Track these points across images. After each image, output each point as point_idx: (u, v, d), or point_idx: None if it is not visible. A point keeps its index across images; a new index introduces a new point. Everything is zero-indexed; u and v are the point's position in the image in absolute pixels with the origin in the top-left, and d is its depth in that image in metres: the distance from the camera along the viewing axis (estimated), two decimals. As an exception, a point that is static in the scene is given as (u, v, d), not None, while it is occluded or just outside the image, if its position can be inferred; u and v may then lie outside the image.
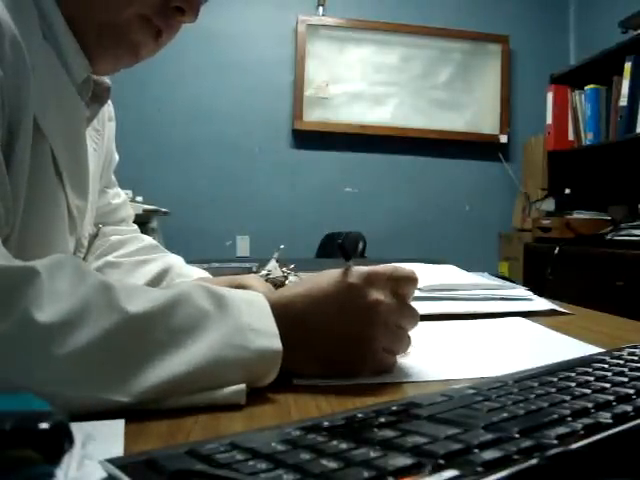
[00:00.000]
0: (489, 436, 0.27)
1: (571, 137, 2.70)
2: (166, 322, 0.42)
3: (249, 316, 0.44)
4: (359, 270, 0.49)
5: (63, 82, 0.61)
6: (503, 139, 3.40)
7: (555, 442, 0.27)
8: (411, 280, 0.51)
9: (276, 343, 0.44)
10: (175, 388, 0.40)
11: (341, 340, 0.48)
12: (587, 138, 2.63)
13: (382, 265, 0.51)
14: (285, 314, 0.47)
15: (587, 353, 0.49)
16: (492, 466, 0.24)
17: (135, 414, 0.38)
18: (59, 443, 0.26)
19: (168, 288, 0.47)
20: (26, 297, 0.38)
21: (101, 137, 0.79)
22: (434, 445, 0.26)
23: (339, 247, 0.54)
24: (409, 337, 0.51)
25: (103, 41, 0.61)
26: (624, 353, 0.47)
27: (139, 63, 0.67)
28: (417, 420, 0.31)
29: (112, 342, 0.39)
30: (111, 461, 0.27)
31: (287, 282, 0.99)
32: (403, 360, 0.53)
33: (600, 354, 0.48)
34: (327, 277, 0.50)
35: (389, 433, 0.28)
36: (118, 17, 0.59)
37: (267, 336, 0.44)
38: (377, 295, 0.48)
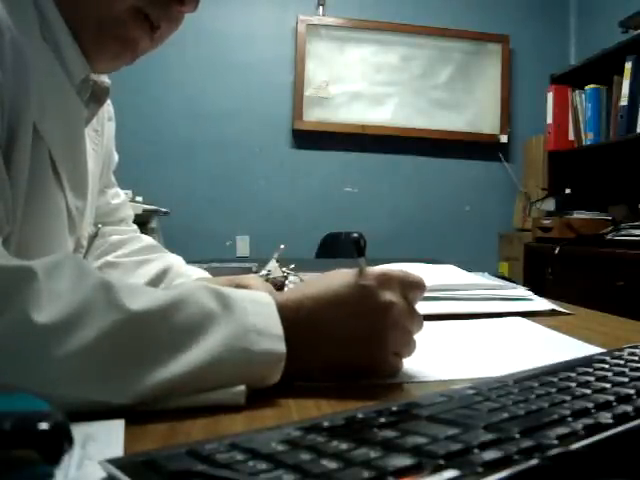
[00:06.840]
0: (489, 436, 0.27)
1: (571, 137, 2.71)
2: (168, 322, 0.41)
3: (254, 317, 0.44)
4: (371, 271, 0.49)
5: (61, 82, 0.61)
6: (503, 139, 3.40)
7: (555, 442, 0.27)
8: (420, 286, 0.51)
9: (280, 346, 0.43)
10: (174, 390, 0.40)
11: (351, 342, 0.48)
12: (587, 138, 2.63)
13: (391, 269, 0.51)
14: (293, 316, 0.46)
15: (587, 353, 0.49)
16: (492, 466, 0.24)
17: (135, 414, 0.38)
18: (59, 443, 0.26)
19: (171, 288, 0.47)
20: (23, 297, 0.38)
21: (100, 137, 0.79)
22: (434, 445, 0.26)
23: (354, 243, 0.52)
24: (415, 341, 0.51)
25: (101, 38, 0.61)
26: (624, 353, 0.47)
27: (139, 62, 0.67)
28: (417, 420, 0.31)
29: (112, 342, 0.39)
30: (111, 461, 0.27)
31: (287, 282, 0.99)
32: (404, 361, 0.53)
33: (600, 354, 0.48)
34: (338, 278, 0.49)
35: (389, 433, 0.28)
36: (115, 10, 0.59)
37: (271, 338, 0.43)
38: (390, 297, 0.48)
